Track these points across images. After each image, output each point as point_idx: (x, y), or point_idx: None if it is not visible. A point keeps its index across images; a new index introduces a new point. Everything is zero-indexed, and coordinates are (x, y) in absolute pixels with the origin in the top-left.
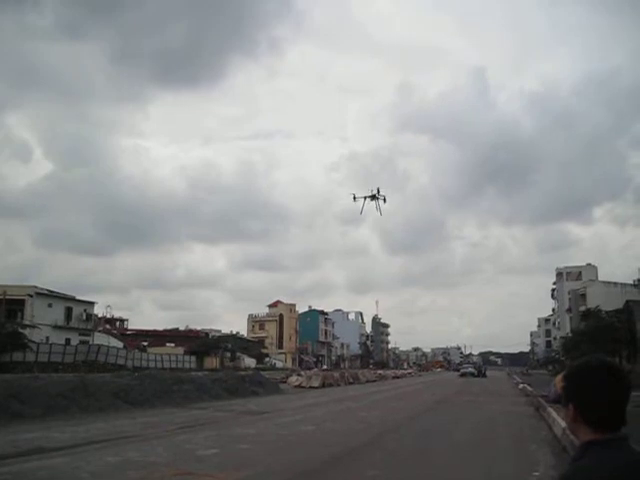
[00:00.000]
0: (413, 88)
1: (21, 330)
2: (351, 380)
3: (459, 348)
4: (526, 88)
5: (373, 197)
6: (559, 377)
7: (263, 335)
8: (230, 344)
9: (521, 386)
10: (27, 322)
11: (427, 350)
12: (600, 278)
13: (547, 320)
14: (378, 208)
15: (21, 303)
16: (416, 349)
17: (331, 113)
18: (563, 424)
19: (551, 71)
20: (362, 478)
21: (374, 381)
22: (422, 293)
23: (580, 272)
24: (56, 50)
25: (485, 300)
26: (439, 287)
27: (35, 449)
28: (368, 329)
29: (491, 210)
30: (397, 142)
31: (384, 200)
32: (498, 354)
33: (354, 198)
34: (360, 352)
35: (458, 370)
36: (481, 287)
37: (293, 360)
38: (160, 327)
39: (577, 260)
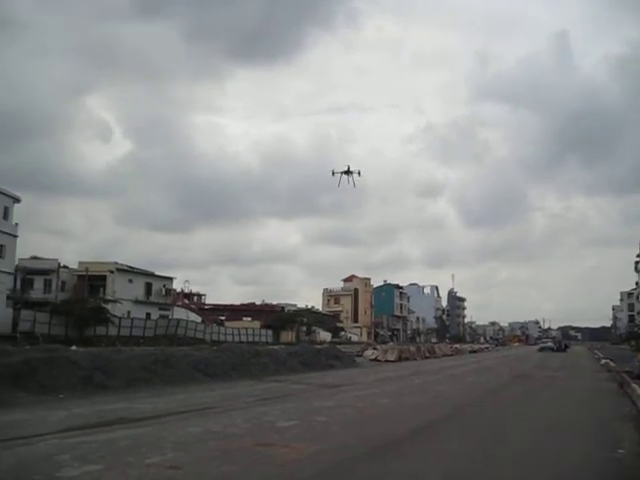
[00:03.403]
0: (491, 56)
1: (104, 305)
2: (427, 354)
3: (537, 322)
4: (611, 52)
5: (347, 172)
6: None
7: (338, 309)
8: (306, 318)
9: (603, 361)
10: (109, 297)
11: (504, 324)
12: None
13: (630, 294)
14: (351, 181)
15: (103, 279)
16: (493, 323)
17: (407, 85)
18: None
19: (637, 34)
20: (439, 451)
21: (450, 355)
22: (500, 266)
23: None
24: (132, 30)
25: (565, 273)
26: (517, 260)
27: (119, 419)
28: (444, 303)
29: (573, 180)
30: (475, 112)
31: (358, 174)
32: (578, 329)
33: (332, 173)
34: (436, 326)
35: (536, 345)
36: (561, 260)
37: (368, 334)
38: (237, 302)
39: None
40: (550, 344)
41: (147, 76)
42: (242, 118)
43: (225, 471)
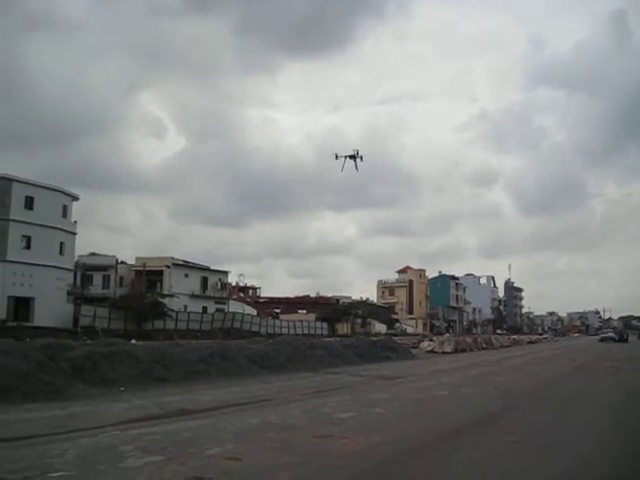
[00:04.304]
0: (545, 40)
1: (161, 299)
2: (484, 345)
3: (597, 312)
4: None
5: (352, 157)
6: None
7: (393, 301)
8: (360, 310)
9: None
10: (166, 292)
11: (563, 315)
12: None
13: None
14: (356, 166)
15: (160, 274)
16: (551, 313)
17: (459, 72)
18: None
19: None
20: (499, 443)
21: (508, 346)
22: (558, 255)
23: None
24: (184, 27)
25: (626, 261)
26: (576, 248)
27: (179, 411)
28: (500, 294)
29: (633, 166)
30: (530, 98)
31: (361, 159)
32: None
33: (336, 157)
34: (493, 317)
35: (597, 335)
36: (622, 248)
37: (424, 325)
38: (291, 294)
39: None
40: (611, 334)
41: (200, 72)
42: (295, 111)
43: (284, 462)
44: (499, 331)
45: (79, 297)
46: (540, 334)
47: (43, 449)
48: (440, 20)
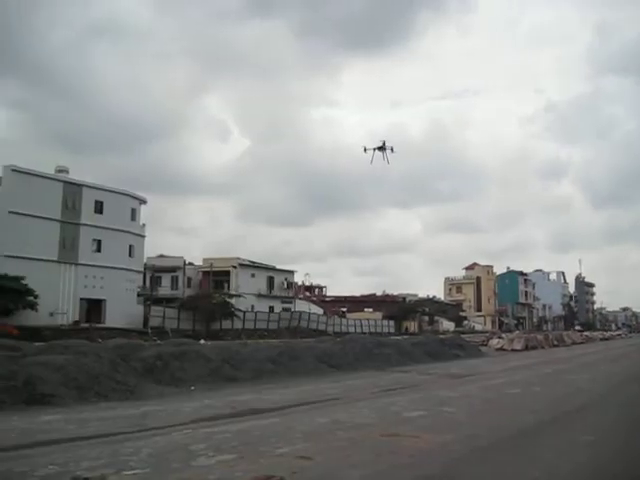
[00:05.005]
0: (613, 27)
1: (228, 300)
2: (555, 342)
3: None
4: None
5: (381, 148)
6: None
7: (460, 298)
8: (427, 308)
9: None
10: (233, 292)
11: (637, 310)
12: None
13: None
14: (385, 158)
15: (226, 274)
16: (625, 309)
17: (524, 65)
18: None
19: None
20: (575, 443)
21: (580, 343)
22: (632, 248)
23: None
24: (246, 31)
25: None
26: None
27: (249, 410)
28: (571, 289)
29: None
30: (598, 87)
31: (392, 150)
32: None
33: (364, 150)
34: (563, 313)
35: None
36: None
37: (492, 323)
38: (357, 293)
39: None
40: None
41: (262, 74)
42: (357, 109)
43: (354, 461)
44: (578, 327)
45: (148, 298)
46: (614, 330)
47: (118, 447)
48: (503, 12)
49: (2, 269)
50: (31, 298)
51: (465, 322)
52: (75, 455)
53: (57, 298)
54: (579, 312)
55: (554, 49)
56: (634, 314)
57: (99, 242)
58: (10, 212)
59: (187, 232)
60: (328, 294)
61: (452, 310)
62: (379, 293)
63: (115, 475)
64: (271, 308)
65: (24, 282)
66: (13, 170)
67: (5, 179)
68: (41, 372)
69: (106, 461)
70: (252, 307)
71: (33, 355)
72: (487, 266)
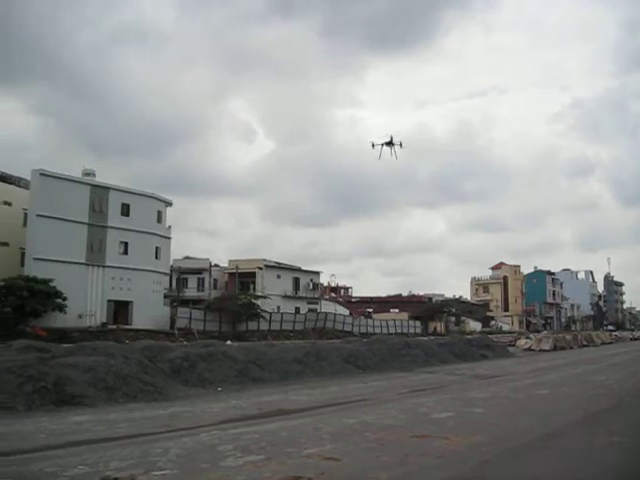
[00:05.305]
0: (638, 23)
1: (254, 301)
2: (584, 342)
3: None
4: None
5: (389, 143)
6: None
7: (487, 298)
8: (454, 308)
9: None
10: (259, 293)
11: None
12: None
13: None
14: (393, 153)
15: (252, 276)
16: None
17: (549, 62)
18: None
19: None
20: (605, 444)
21: (610, 343)
22: None
23: None
24: (270, 32)
25: None
26: None
27: (276, 411)
28: (600, 289)
29: None
30: (626, 84)
31: (400, 145)
32: None
33: (372, 145)
34: (592, 313)
35: None
36: None
37: (520, 323)
38: (383, 293)
39: None
40: None
41: (286, 75)
42: (382, 109)
43: (382, 462)
44: (610, 327)
45: (175, 300)
46: None
47: (147, 448)
48: (528, 10)
49: (31, 272)
50: (60, 300)
51: (492, 322)
52: (104, 455)
53: (85, 300)
54: (608, 312)
55: (580, 46)
56: None
57: (126, 244)
58: (38, 215)
59: (212, 234)
60: (354, 295)
61: (479, 310)
62: (405, 293)
63: (144, 475)
64: (297, 309)
65: (53, 284)
66: (41, 174)
67: (33, 183)
68: (70, 373)
69: (135, 461)
70: (278, 308)
71: (62, 356)
72: (514, 266)
